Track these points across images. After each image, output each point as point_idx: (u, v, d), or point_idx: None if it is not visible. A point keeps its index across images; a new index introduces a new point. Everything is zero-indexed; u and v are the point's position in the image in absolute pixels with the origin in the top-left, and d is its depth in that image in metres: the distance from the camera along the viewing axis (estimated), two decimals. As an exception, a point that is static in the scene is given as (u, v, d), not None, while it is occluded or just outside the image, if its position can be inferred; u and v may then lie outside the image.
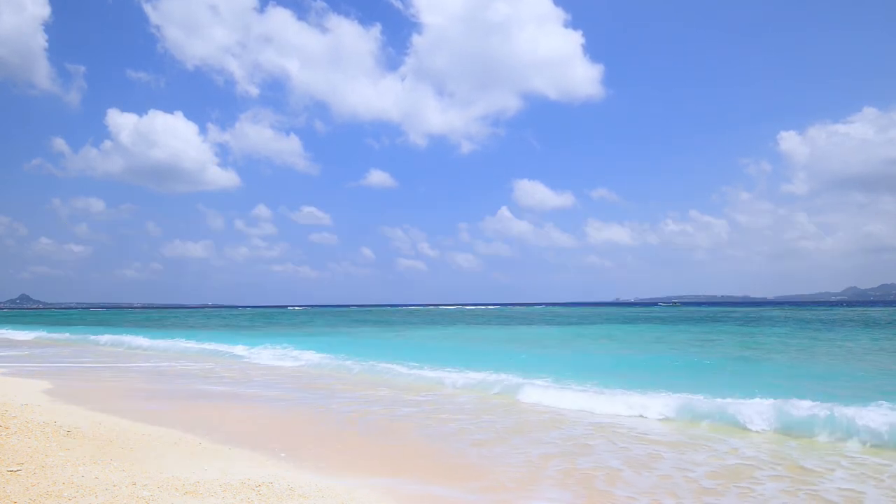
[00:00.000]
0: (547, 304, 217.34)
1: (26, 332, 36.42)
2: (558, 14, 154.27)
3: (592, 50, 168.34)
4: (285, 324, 53.38)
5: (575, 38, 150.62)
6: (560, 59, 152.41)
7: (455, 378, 13.26)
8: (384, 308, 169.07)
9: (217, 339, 26.66)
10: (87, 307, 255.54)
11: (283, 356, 19.86)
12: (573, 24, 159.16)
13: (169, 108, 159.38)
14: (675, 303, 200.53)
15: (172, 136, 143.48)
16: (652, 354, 20.80)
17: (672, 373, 14.71)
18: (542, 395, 11.16)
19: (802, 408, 8.48)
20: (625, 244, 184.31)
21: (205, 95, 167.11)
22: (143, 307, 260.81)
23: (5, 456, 5.67)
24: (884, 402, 8.57)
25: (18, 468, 5.25)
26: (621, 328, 38.75)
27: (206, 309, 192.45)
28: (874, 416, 7.83)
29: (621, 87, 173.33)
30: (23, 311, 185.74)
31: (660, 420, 9.34)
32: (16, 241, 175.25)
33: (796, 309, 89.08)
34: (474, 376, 13.28)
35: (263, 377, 15.22)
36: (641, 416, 9.54)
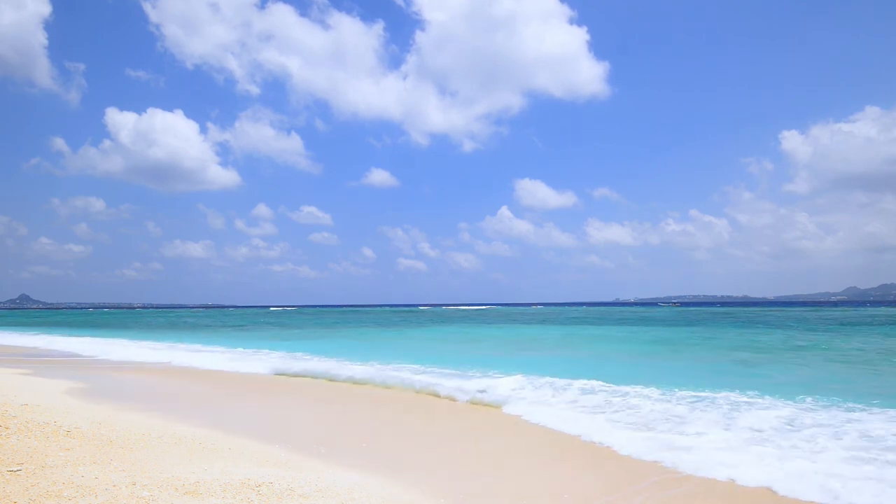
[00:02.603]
0: (546, 304, 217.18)
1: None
2: (563, 10, 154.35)
3: (597, 47, 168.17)
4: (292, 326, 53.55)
5: (580, 35, 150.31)
6: (565, 57, 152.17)
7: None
8: (380, 308, 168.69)
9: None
10: (87, 307, 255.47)
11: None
12: (578, 20, 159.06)
13: (169, 107, 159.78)
14: (675, 303, 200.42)
15: (172, 134, 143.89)
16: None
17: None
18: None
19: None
20: (625, 244, 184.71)
21: (205, 94, 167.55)
22: (143, 307, 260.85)
23: (5, 456, 5.67)
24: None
25: (18, 468, 5.25)
26: (625, 330, 38.80)
27: (202, 309, 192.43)
28: None
29: (625, 86, 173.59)
30: (24, 310, 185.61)
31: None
32: (15, 240, 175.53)
33: (796, 309, 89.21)
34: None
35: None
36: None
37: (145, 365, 18.55)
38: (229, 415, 10.12)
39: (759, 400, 10.57)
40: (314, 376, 15.28)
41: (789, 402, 10.39)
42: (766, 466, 6.61)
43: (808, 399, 10.63)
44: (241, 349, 23.59)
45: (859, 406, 9.97)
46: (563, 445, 8.06)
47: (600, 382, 12.76)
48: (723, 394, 11.17)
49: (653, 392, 11.57)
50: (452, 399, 11.69)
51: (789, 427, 8.52)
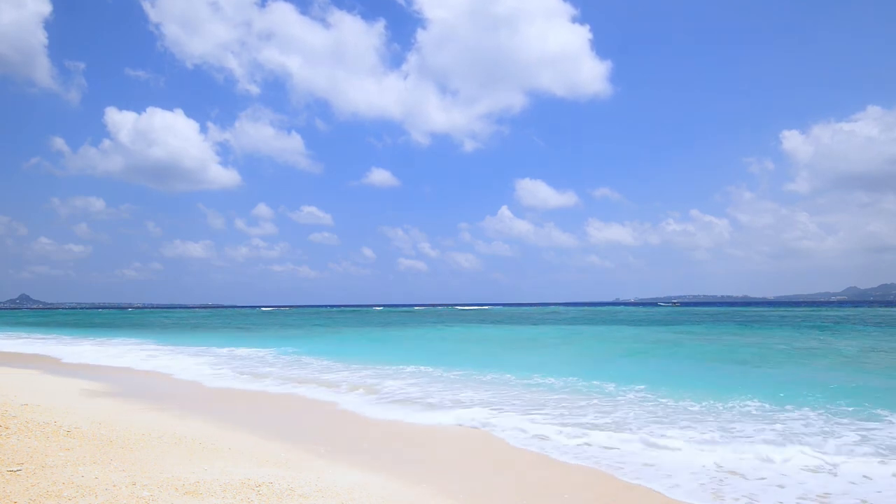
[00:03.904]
0: (546, 304, 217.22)
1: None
2: (565, 9, 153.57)
3: (600, 46, 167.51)
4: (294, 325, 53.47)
5: (582, 34, 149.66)
6: (567, 55, 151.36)
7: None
8: (378, 309, 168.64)
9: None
10: (87, 307, 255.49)
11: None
12: (581, 19, 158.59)
13: (169, 107, 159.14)
14: (675, 303, 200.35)
15: (172, 134, 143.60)
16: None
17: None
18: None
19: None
20: (626, 244, 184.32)
21: (205, 93, 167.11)
22: (143, 307, 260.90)
23: (5, 456, 5.67)
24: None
25: (18, 468, 5.25)
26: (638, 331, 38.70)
27: (200, 309, 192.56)
28: None
29: (627, 85, 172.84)
30: (24, 310, 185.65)
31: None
32: (15, 240, 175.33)
33: (795, 309, 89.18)
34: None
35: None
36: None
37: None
38: (229, 414, 10.11)
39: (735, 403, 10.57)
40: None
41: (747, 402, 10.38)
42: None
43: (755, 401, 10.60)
44: (245, 348, 23.69)
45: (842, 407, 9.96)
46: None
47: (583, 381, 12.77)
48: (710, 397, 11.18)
49: (645, 394, 11.59)
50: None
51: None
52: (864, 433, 8.19)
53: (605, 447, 7.76)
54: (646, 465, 6.95)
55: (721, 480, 6.34)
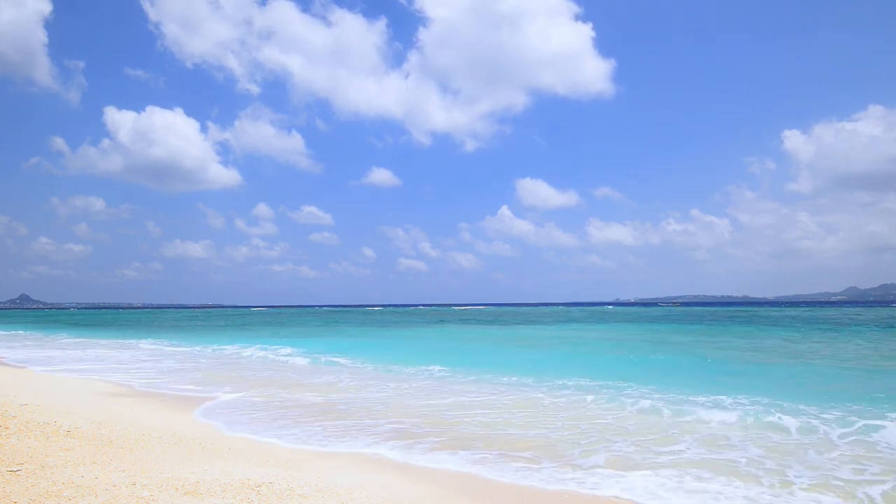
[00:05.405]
0: (546, 304, 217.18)
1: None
2: (568, 7, 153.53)
3: (602, 44, 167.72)
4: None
5: (585, 32, 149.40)
6: (570, 54, 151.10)
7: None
8: (377, 309, 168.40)
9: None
10: (87, 307, 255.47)
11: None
12: (584, 17, 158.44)
13: (169, 106, 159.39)
14: (675, 303, 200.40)
15: (172, 134, 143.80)
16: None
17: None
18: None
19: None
20: (626, 244, 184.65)
21: (205, 93, 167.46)
22: (143, 307, 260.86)
23: (5, 456, 5.66)
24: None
25: (18, 468, 5.24)
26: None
27: (199, 309, 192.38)
28: None
29: (629, 84, 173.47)
30: (24, 310, 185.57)
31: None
32: (15, 240, 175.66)
33: (795, 309, 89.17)
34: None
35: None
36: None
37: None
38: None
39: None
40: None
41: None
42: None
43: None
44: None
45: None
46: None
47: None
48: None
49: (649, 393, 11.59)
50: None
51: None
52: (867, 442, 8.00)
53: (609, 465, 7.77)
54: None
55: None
